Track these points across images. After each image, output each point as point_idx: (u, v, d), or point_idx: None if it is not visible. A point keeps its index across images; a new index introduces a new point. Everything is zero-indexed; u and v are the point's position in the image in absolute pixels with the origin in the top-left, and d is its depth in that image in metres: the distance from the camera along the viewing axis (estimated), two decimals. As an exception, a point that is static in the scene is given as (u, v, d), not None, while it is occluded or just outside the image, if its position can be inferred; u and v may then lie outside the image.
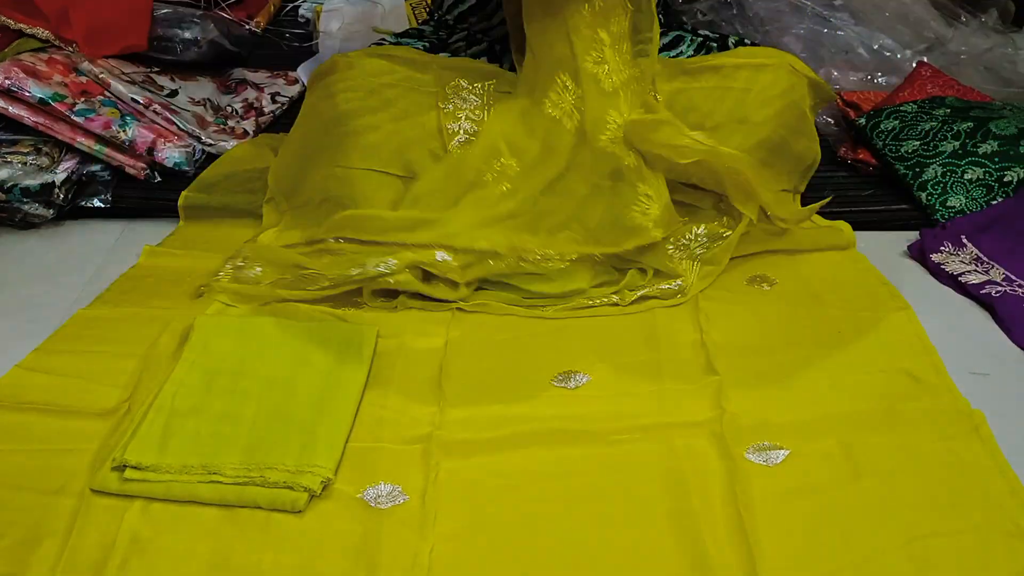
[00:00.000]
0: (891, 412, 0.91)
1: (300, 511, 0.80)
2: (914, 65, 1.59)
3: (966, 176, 1.28)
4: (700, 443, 0.88)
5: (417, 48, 1.33)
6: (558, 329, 1.05)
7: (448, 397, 0.94)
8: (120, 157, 1.29)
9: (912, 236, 1.24)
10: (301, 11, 1.98)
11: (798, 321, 1.06)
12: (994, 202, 1.25)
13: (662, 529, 0.79)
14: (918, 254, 1.21)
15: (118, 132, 1.28)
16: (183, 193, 1.26)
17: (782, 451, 0.87)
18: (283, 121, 1.50)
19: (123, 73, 1.38)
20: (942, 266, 1.17)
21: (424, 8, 1.86)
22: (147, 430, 0.86)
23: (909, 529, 0.79)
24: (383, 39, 1.42)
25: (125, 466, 0.82)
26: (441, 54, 1.30)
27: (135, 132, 1.29)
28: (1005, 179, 1.27)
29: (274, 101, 1.54)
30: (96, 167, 1.29)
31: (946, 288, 1.15)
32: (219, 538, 0.78)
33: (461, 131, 1.15)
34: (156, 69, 1.45)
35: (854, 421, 0.91)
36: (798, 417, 0.91)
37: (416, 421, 0.91)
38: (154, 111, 1.34)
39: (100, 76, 1.33)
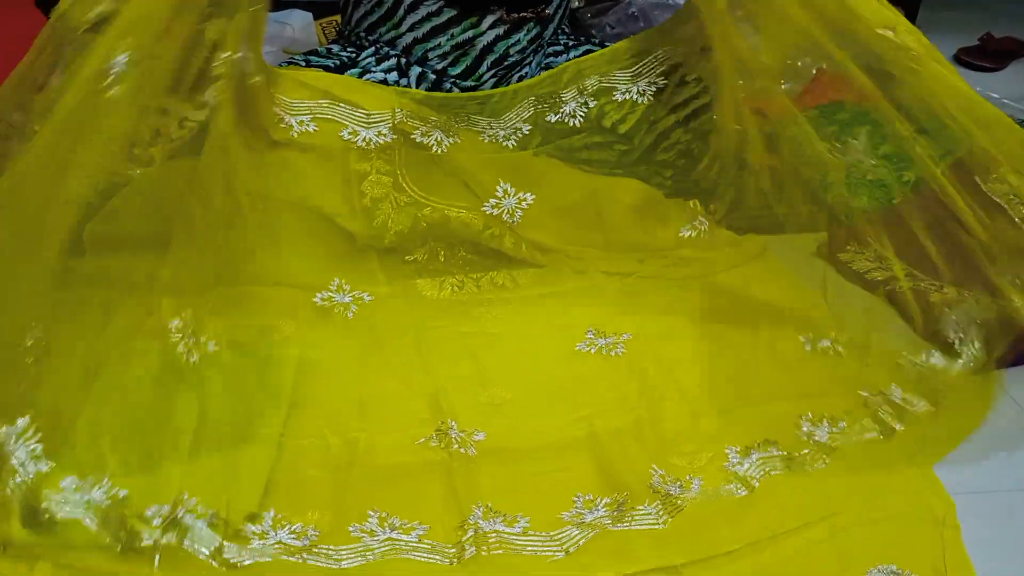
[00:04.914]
0: None
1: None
2: (814, 72, 1.65)
3: (868, 177, 1.33)
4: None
5: (327, 65, 1.32)
6: None
7: None
8: (19, 190, 1.24)
9: (821, 237, 1.29)
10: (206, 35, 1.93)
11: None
12: (895, 201, 1.31)
13: None
14: (827, 254, 1.26)
15: (16, 164, 1.23)
16: (88, 225, 1.21)
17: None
18: (192, 146, 1.45)
19: (19, 102, 1.32)
20: (849, 264, 1.22)
21: (334, 27, 1.84)
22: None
23: (831, 521, 0.82)
24: (292, 59, 1.40)
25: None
26: (349, 72, 1.29)
27: (34, 163, 1.24)
28: (904, 178, 1.32)
29: (182, 126, 1.50)
30: (-7, 201, 1.23)
31: (854, 286, 1.20)
32: None
33: (374, 171, 1.14)
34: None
35: None
36: None
37: None
38: (54, 141, 1.29)
39: None
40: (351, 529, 0.81)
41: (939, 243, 1.22)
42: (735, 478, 0.87)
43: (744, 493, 0.86)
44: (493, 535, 0.80)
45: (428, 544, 0.80)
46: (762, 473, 0.88)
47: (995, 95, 1.76)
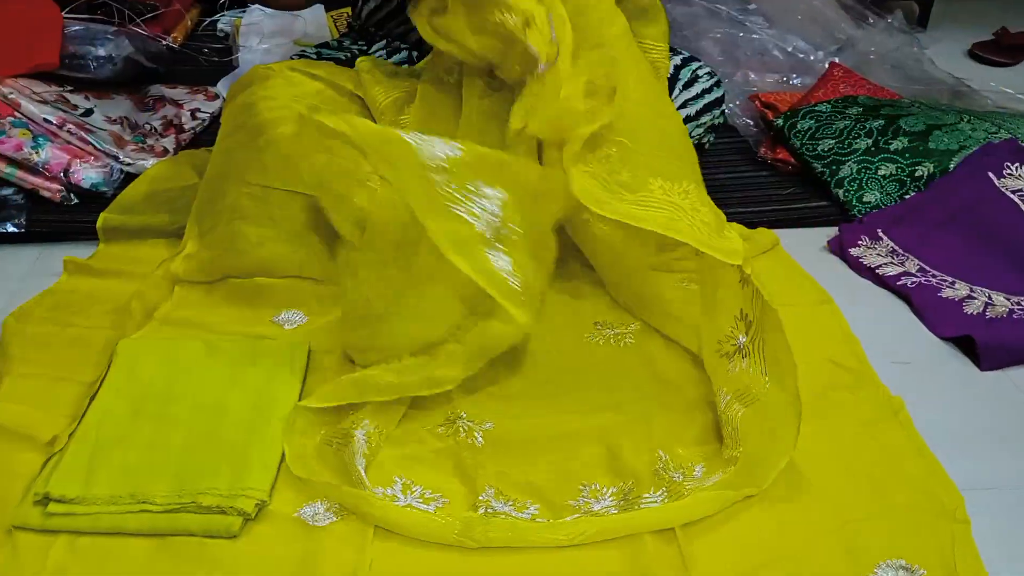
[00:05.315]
0: (818, 400, 0.94)
1: (235, 535, 0.78)
2: (826, 65, 1.65)
3: (880, 172, 1.33)
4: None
5: (339, 58, 1.32)
6: None
7: None
8: (33, 180, 1.25)
9: (831, 232, 1.28)
10: (220, 25, 1.94)
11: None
12: (907, 196, 1.30)
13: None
14: (837, 248, 1.24)
15: (31, 154, 1.24)
16: (102, 215, 1.22)
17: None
18: (204, 138, 1.47)
19: (34, 93, 1.33)
20: (860, 259, 1.21)
21: (345, 19, 1.84)
22: (71, 461, 0.83)
23: (839, 514, 0.82)
24: (304, 51, 1.40)
25: (48, 499, 0.79)
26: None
27: (49, 153, 1.25)
28: (916, 173, 1.31)
29: (194, 118, 1.51)
30: (8, 191, 1.25)
31: (865, 280, 1.19)
32: (151, 570, 0.76)
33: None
34: (69, 88, 1.41)
35: None
36: None
37: None
38: (68, 131, 1.30)
39: (9, 96, 1.29)
40: (376, 491, 0.82)
41: (952, 238, 1.22)
42: (729, 452, 0.87)
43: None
44: (504, 515, 0.81)
45: (443, 519, 0.80)
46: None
47: (1009, 90, 1.75)
